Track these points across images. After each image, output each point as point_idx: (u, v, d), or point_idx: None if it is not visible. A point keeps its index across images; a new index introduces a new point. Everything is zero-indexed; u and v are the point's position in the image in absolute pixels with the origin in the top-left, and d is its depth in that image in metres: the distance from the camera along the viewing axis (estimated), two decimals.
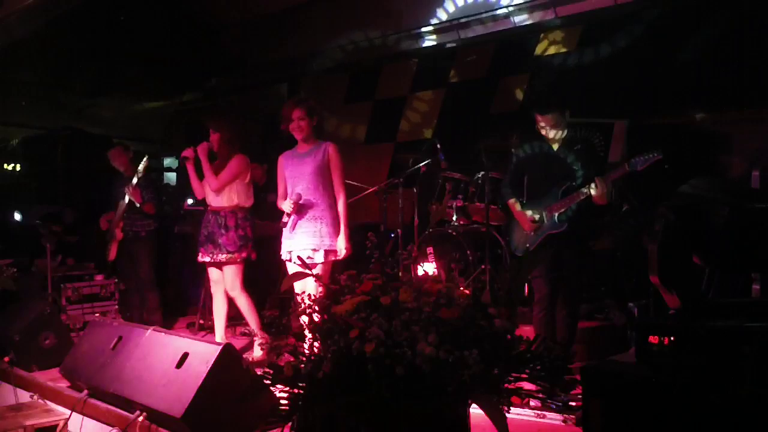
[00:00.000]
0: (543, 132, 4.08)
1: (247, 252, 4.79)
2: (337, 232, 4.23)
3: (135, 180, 5.60)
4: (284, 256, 4.35)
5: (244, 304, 4.80)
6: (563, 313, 4.06)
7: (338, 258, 4.22)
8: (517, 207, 4.20)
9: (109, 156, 5.95)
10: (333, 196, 4.29)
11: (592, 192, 3.85)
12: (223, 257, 4.72)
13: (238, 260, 4.75)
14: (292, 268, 4.29)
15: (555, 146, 4.10)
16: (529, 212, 4.12)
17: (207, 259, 4.80)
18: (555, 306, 4.09)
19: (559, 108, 4.03)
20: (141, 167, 5.54)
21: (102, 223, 5.95)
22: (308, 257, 4.08)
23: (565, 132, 4.08)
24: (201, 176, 4.86)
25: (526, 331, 3.66)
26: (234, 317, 6.30)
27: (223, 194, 4.79)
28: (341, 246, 4.21)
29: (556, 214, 4.01)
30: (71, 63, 8.11)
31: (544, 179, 4.13)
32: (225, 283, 4.81)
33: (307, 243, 4.20)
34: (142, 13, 7.91)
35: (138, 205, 5.67)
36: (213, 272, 4.91)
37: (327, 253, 4.19)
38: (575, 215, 3.98)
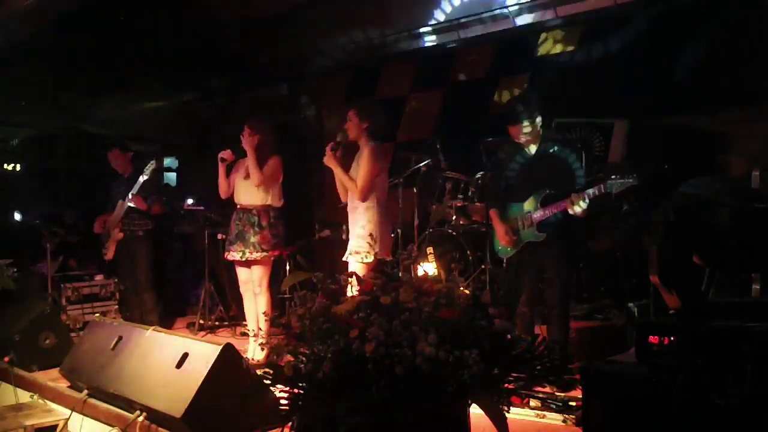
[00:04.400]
0: (520, 141, 4.03)
1: (280, 250, 4.86)
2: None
3: (136, 188, 5.51)
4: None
5: (265, 303, 4.81)
6: (553, 312, 4.04)
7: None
8: (497, 217, 4.15)
9: (108, 158, 5.89)
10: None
11: (571, 211, 3.83)
12: (257, 255, 4.72)
13: (272, 258, 4.81)
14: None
15: (532, 149, 4.06)
16: (508, 223, 4.08)
17: (237, 257, 4.77)
18: (535, 306, 4.09)
19: (527, 116, 3.93)
20: (148, 171, 5.47)
21: (96, 226, 5.88)
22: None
23: (540, 134, 4.02)
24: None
25: None
26: (234, 317, 6.32)
27: (256, 192, 4.79)
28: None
29: (536, 225, 3.99)
30: (71, 63, 8.10)
31: (523, 185, 4.08)
32: (253, 281, 4.81)
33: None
34: (142, 13, 7.90)
35: (145, 211, 5.61)
36: (242, 272, 4.90)
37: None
38: (556, 224, 3.95)
